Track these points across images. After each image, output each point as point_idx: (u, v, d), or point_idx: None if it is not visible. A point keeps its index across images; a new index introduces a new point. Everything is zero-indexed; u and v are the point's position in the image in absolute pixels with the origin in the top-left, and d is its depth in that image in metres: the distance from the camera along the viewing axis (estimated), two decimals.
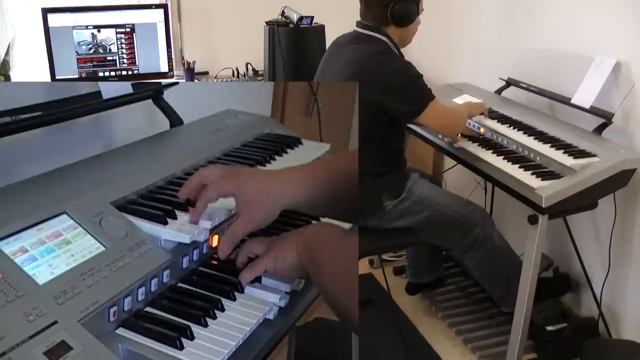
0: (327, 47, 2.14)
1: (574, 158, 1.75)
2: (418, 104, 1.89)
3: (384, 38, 1.93)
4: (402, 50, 1.99)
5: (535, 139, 1.92)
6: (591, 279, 2.12)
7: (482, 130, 2.10)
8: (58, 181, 1.24)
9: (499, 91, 2.43)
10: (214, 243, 1.26)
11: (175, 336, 0.97)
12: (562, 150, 1.80)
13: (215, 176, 1.16)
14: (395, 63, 1.89)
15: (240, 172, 1.17)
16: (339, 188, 1.17)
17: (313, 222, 1.44)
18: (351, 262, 1.00)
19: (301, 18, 2.79)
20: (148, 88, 1.71)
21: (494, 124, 2.08)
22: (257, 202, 1.14)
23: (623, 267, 2.03)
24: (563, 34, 2.19)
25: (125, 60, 2.81)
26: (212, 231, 1.21)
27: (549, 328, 2.04)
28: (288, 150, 1.66)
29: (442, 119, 1.97)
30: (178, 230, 1.14)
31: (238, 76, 3.10)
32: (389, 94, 1.86)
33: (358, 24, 1.98)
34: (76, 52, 2.73)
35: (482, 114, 2.12)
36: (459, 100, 2.34)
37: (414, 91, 1.89)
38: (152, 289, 1.09)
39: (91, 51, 2.75)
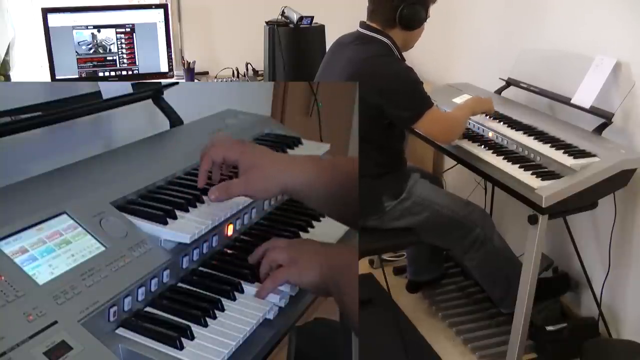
0: (327, 47, 2.14)
1: (574, 158, 1.75)
2: (415, 110, 1.86)
3: (386, 40, 1.92)
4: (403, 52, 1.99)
5: (535, 139, 1.92)
6: (591, 279, 2.12)
7: (482, 130, 2.10)
8: (58, 181, 1.23)
9: (499, 91, 2.43)
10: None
11: (175, 336, 0.97)
12: (562, 150, 1.80)
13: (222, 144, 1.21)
14: (395, 66, 1.88)
15: (247, 142, 1.23)
16: (341, 189, 1.17)
17: (332, 241, 1.41)
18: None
19: (301, 18, 2.79)
20: (148, 88, 1.70)
21: (494, 124, 2.08)
22: (260, 169, 1.15)
23: (623, 267, 2.03)
24: (563, 33, 2.19)
25: (125, 60, 2.81)
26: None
27: (549, 328, 2.04)
28: (288, 150, 1.66)
29: (439, 127, 1.94)
30: (178, 230, 1.14)
31: (238, 76, 3.10)
32: (386, 97, 1.84)
33: (361, 25, 1.98)
34: (76, 52, 2.73)
35: (486, 112, 2.09)
36: (459, 100, 2.34)
37: (413, 98, 1.87)
38: (152, 289, 1.09)
39: (91, 51, 2.75)
